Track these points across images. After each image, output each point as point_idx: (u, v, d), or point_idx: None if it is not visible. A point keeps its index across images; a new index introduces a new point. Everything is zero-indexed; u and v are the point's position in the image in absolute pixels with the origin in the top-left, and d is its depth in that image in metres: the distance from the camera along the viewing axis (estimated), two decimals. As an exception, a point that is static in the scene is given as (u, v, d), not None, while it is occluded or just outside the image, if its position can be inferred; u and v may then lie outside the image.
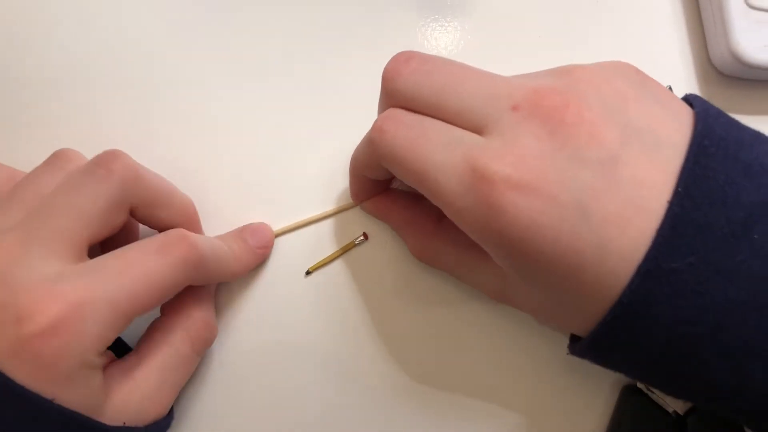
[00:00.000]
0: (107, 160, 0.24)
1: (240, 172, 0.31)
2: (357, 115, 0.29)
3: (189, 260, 0.24)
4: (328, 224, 0.30)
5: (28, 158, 0.29)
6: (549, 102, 0.21)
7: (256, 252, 0.29)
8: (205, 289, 0.28)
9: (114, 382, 0.23)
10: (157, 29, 0.32)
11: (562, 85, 0.21)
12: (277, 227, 0.30)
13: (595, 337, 0.21)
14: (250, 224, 0.30)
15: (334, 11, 0.33)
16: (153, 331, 0.26)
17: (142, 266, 0.23)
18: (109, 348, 0.24)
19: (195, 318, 0.26)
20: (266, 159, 0.31)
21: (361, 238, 0.30)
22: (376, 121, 0.24)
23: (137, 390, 0.24)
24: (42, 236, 0.22)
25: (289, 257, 0.30)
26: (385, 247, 0.30)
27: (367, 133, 0.25)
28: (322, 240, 0.30)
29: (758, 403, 0.20)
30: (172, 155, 0.31)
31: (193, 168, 0.31)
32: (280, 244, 0.30)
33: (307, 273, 0.30)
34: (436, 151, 0.22)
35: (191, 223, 0.28)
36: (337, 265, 0.30)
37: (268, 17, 0.33)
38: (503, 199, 0.20)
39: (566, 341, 0.29)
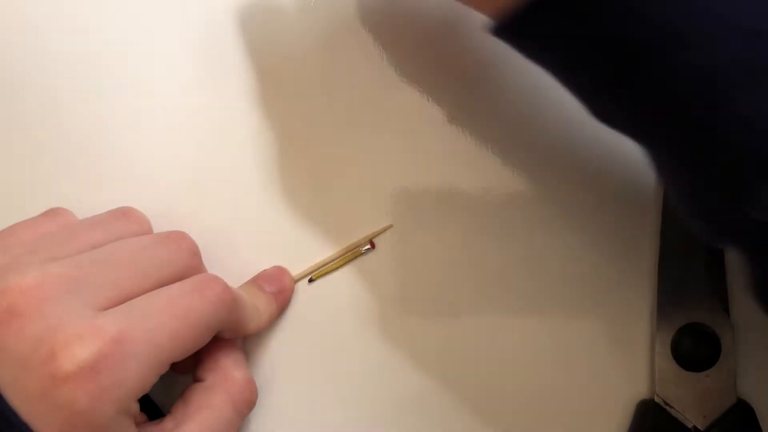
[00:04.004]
0: (178, 237, 0.25)
1: (241, 213, 0.29)
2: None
3: (225, 301, 0.23)
4: (333, 231, 0.29)
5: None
6: None
7: (275, 299, 0.27)
8: (237, 347, 0.26)
9: None
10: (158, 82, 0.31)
11: None
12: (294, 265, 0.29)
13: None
14: (263, 271, 0.28)
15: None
16: (191, 394, 0.24)
17: (181, 305, 0.22)
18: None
19: (237, 379, 0.25)
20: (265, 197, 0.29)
21: (368, 246, 0.29)
22: None
23: None
24: (92, 281, 0.21)
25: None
26: (391, 256, 0.29)
27: None
28: (326, 247, 0.29)
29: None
30: (168, 202, 0.29)
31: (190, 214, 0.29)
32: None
33: (311, 280, 0.29)
34: None
35: None
36: (342, 273, 0.29)
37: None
38: None
39: (578, 351, 0.28)
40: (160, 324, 0.21)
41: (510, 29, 0.19)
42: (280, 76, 0.30)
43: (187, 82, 0.30)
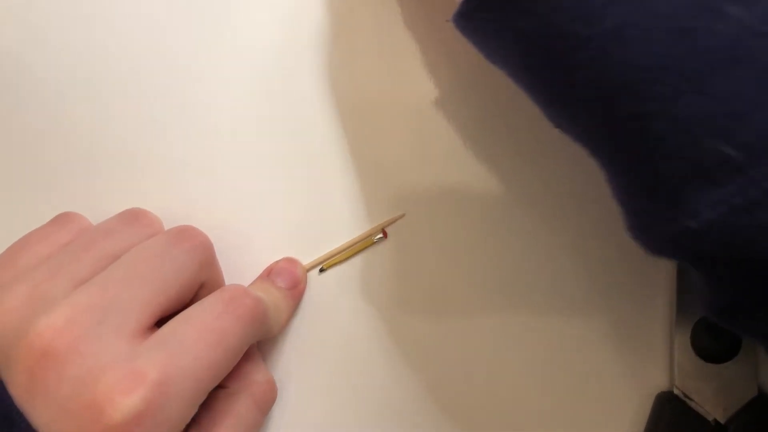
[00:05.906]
0: (190, 234, 0.24)
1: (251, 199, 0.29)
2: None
3: (257, 316, 0.23)
4: (345, 220, 0.29)
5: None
6: None
7: (292, 295, 0.27)
8: (254, 348, 0.26)
9: None
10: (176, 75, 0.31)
11: None
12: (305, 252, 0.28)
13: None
14: (274, 264, 0.27)
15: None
16: (214, 402, 0.23)
17: (216, 330, 0.21)
18: None
19: (259, 383, 0.25)
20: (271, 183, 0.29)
21: (380, 236, 0.28)
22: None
23: None
24: (120, 306, 0.21)
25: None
26: (404, 246, 0.28)
27: None
28: (338, 236, 0.28)
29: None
30: (177, 194, 0.29)
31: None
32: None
33: (321, 270, 0.28)
34: None
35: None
36: (354, 262, 0.28)
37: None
38: None
39: (598, 343, 0.28)
40: (197, 357, 0.20)
41: (462, 17, 0.19)
42: (290, 69, 0.30)
43: (195, 77, 0.29)
